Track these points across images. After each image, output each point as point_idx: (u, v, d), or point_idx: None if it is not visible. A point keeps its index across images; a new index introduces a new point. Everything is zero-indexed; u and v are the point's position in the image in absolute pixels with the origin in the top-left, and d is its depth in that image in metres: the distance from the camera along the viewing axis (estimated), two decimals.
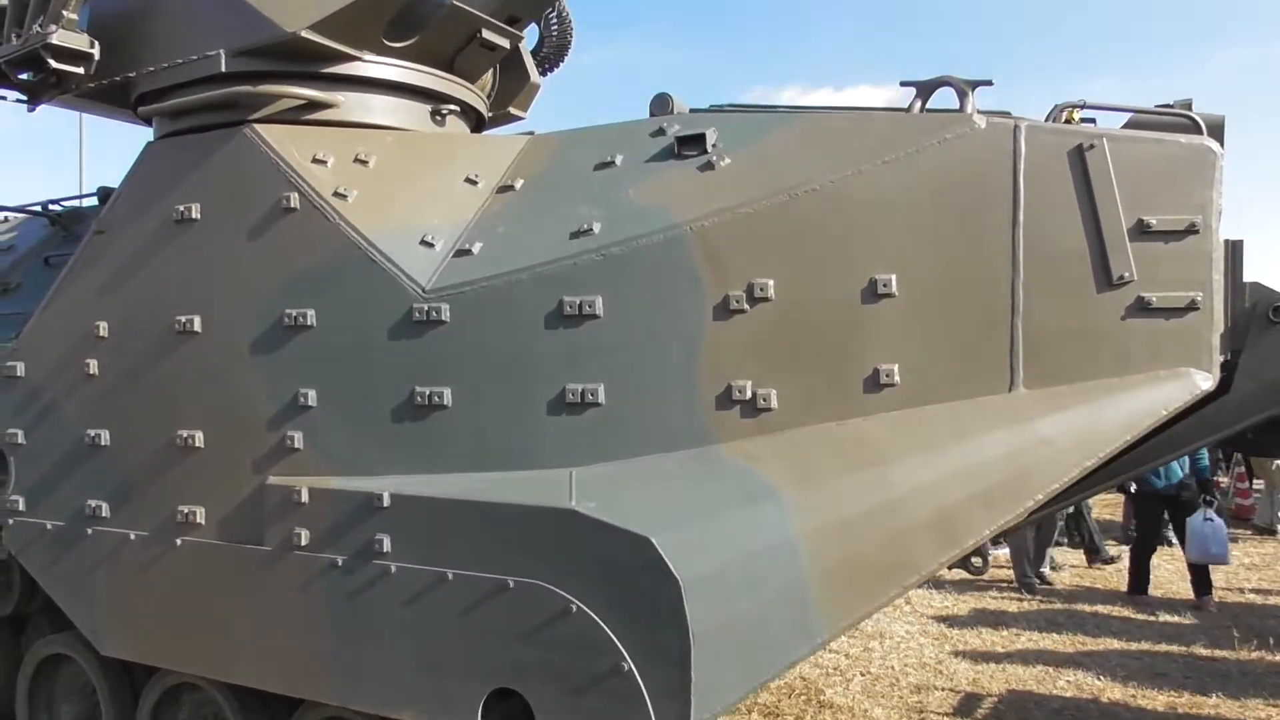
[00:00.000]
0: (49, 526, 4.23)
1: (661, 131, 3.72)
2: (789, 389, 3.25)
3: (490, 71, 4.68)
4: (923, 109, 3.37)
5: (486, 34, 4.14)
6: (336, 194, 3.65)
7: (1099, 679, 6.57)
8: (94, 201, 5.40)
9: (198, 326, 3.84)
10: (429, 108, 4.18)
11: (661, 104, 3.88)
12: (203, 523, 3.82)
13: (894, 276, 3.20)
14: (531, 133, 4.29)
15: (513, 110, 4.86)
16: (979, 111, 3.21)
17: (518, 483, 3.29)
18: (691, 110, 3.86)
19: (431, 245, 3.60)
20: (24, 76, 4.27)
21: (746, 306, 3.26)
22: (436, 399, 3.43)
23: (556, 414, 3.35)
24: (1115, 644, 7.41)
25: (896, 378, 3.20)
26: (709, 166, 3.47)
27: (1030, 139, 3.16)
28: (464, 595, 3.21)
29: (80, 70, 3.99)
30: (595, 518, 3.00)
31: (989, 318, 3.17)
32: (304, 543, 3.54)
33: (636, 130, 3.81)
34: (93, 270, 4.15)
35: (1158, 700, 6.16)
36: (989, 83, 3.20)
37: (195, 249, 3.88)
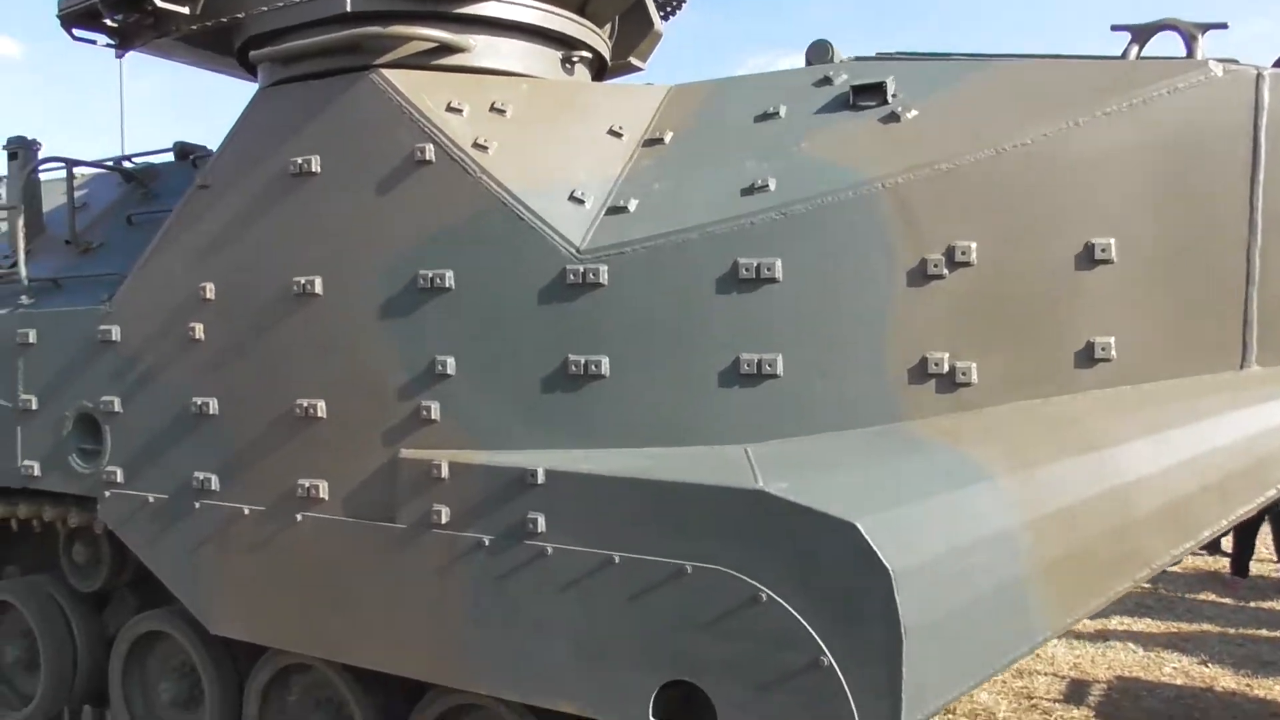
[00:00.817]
0: (151, 500, 4.03)
1: (828, 80, 3.48)
2: (990, 362, 3.02)
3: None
4: (1138, 55, 3.10)
5: None
6: (476, 145, 3.41)
7: (1206, 666, 6.38)
8: (169, 158, 5.17)
9: (318, 288, 3.62)
10: (560, 54, 3.92)
11: (820, 51, 3.63)
12: (325, 497, 3.61)
13: (1112, 241, 2.96)
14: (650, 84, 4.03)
15: (632, 60, 4.60)
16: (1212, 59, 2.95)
17: (688, 460, 3.08)
18: (856, 58, 3.60)
19: (581, 202, 3.36)
20: (118, 17, 4.02)
21: (945, 272, 3.03)
22: (592, 368, 3.21)
23: (728, 386, 3.13)
24: (1211, 628, 7.22)
25: (1113, 352, 2.97)
26: (893, 118, 3.22)
27: (1276, 89, 2.90)
28: (633, 580, 3.01)
29: (185, 10, 3.74)
30: (790, 500, 2.79)
31: (1220, 287, 2.93)
32: (444, 521, 3.34)
33: (796, 79, 3.56)
34: (196, 228, 3.93)
35: (1275, 690, 5.97)
36: (1223, 25, 2.94)
37: (315, 204, 3.65)
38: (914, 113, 3.20)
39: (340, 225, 3.59)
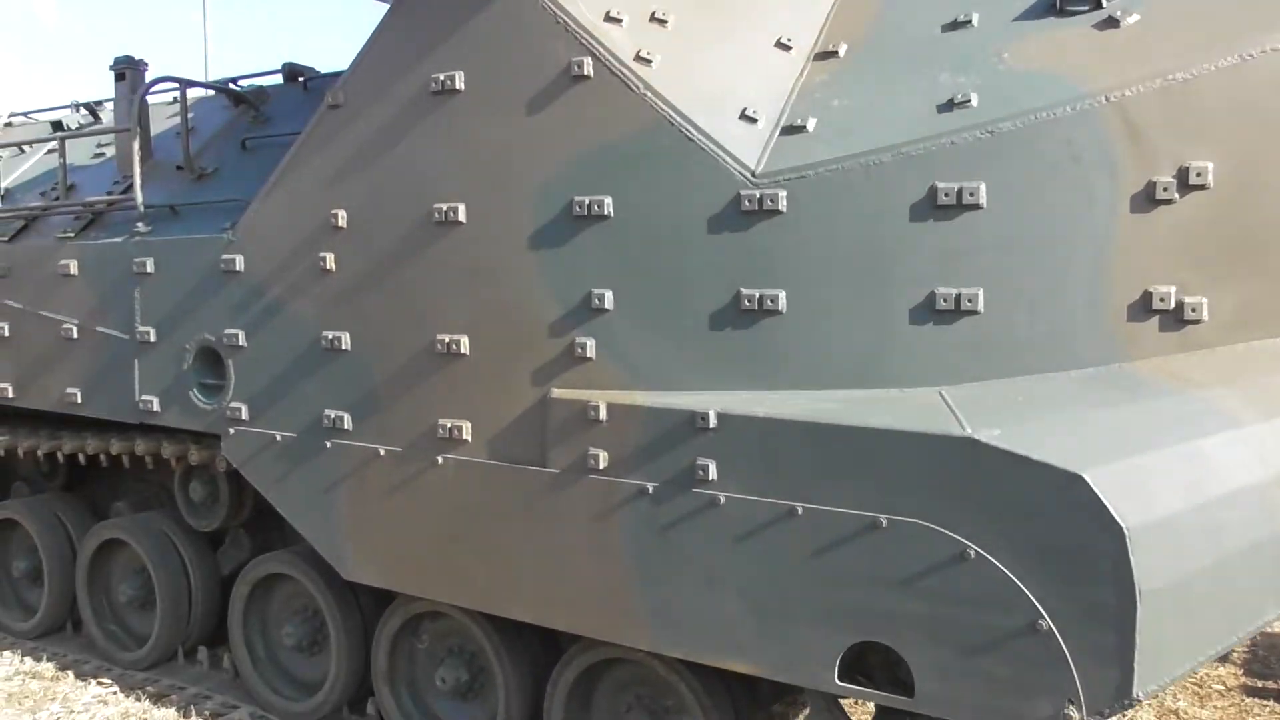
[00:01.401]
0: (278, 438, 3.91)
1: None
2: (1225, 297, 2.74)
3: None
4: None
5: None
6: (639, 58, 3.16)
7: None
8: (279, 80, 4.98)
9: (461, 216, 3.41)
10: None
11: None
12: (469, 439, 3.45)
13: None
14: None
15: None
16: None
17: (878, 404, 2.85)
18: None
19: (754, 120, 3.10)
20: None
21: (1175, 196, 2.73)
22: (769, 303, 2.98)
23: (921, 323, 2.88)
24: None
25: None
26: (1110, 23, 2.91)
27: None
28: (818, 533, 2.81)
29: None
30: (1005, 449, 2.55)
31: None
32: (601, 466, 3.16)
33: None
34: (326, 151, 3.73)
35: None
36: None
37: (458, 125, 3.43)
38: (1134, 17, 2.88)
39: (486, 148, 3.37)
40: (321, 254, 3.73)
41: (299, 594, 4.34)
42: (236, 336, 3.98)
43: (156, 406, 4.29)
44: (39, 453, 5.03)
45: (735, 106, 3.13)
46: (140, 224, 4.33)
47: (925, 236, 2.86)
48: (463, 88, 3.40)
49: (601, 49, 3.17)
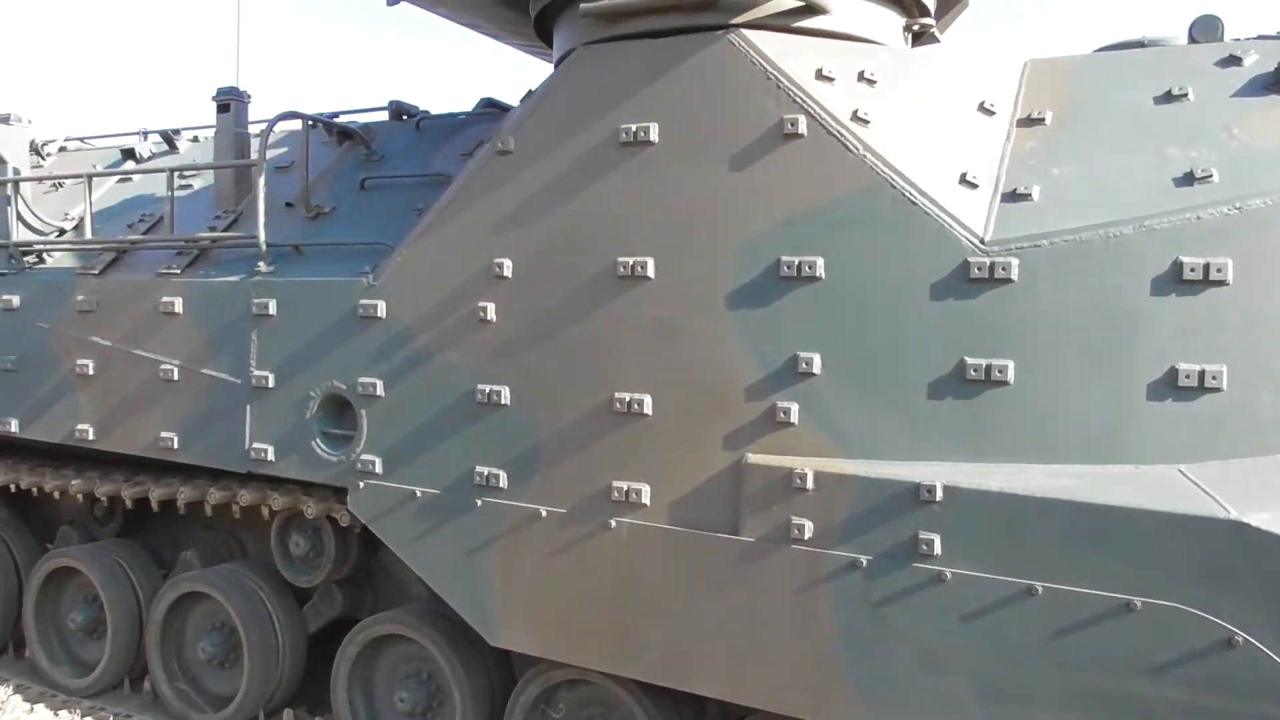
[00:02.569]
0: (418, 494, 3.76)
1: (1235, 60, 3.20)
2: None
3: None
4: None
5: None
6: (856, 118, 3.13)
7: None
8: (384, 116, 4.88)
9: (650, 271, 3.34)
10: (903, 20, 3.63)
11: (1210, 27, 3.36)
12: (647, 503, 3.35)
13: None
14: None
15: (935, 31, 4.30)
16: None
17: (1119, 481, 2.82)
18: (1258, 36, 3.32)
19: (975, 185, 3.09)
20: None
21: None
22: (996, 373, 2.94)
23: (1160, 399, 2.87)
24: None
25: None
26: None
27: None
28: (1060, 613, 2.76)
29: None
30: (1277, 533, 2.53)
31: None
32: (806, 536, 3.08)
33: (1191, 57, 3.30)
34: (491, 197, 3.63)
35: None
36: None
37: (652, 177, 3.36)
38: None
39: (682, 201, 3.31)
40: (481, 303, 3.62)
41: (414, 656, 4.17)
42: (373, 385, 3.84)
43: (271, 455, 4.11)
44: (101, 495, 4.80)
45: (954, 171, 3.11)
46: (261, 263, 4.17)
47: (1167, 311, 2.86)
48: (657, 140, 3.34)
49: (817, 107, 3.14)
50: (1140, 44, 3.56)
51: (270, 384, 4.09)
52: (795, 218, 3.16)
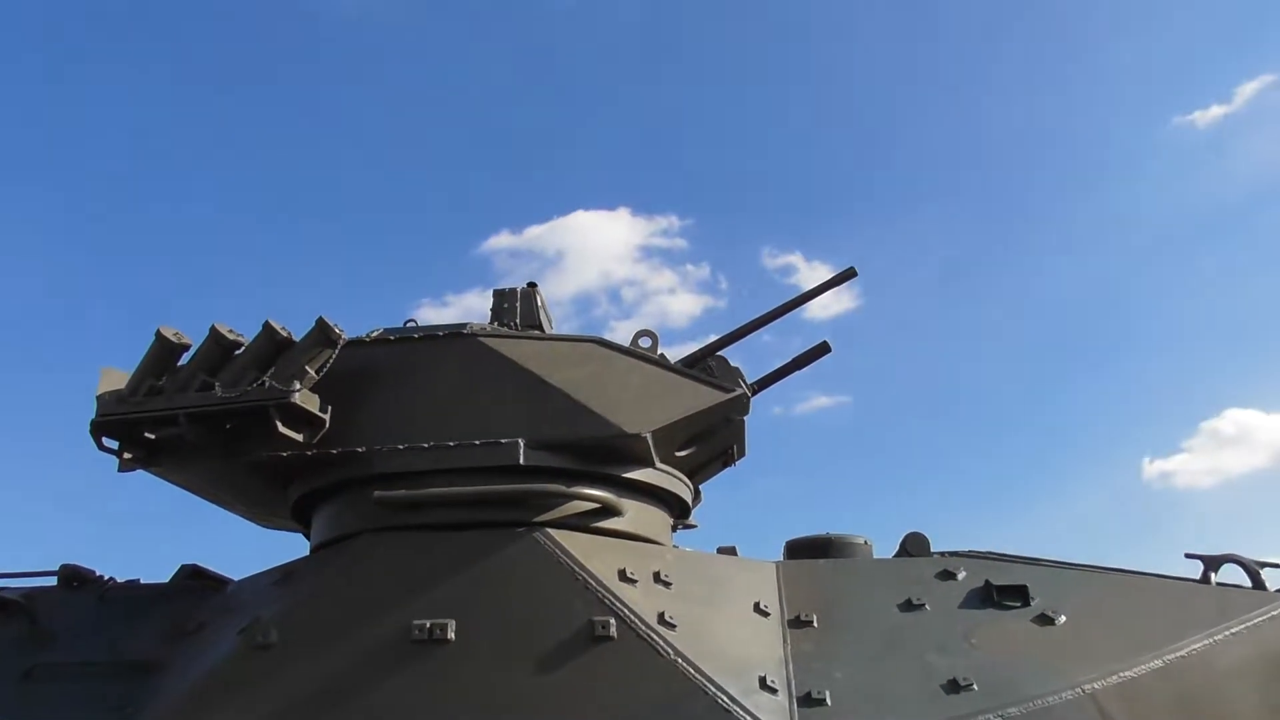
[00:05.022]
0: None
1: (950, 575, 3.81)
2: None
3: None
4: (1215, 582, 3.79)
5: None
6: (664, 622, 3.27)
7: None
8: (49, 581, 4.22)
9: None
10: (671, 519, 3.95)
11: (920, 544, 4.03)
12: None
13: None
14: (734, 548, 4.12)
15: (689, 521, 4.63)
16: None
17: None
18: (949, 553, 4.01)
19: (775, 690, 3.28)
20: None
21: None
22: None
23: None
24: None
25: None
26: (1046, 620, 3.58)
27: None
28: None
29: (300, 436, 3.32)
30: None
31: None
32: None
33: (913, 570, 3.87)
34: (247, 696, 3.20)
35: None
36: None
37: (450, 679, 3.17)
38: (1063, 618, 3.60)
39: (483, 701, 3.14)
40: None
41: None
42: None
43: None
44: None
45: (752, 673, 3.29)
46: None
47: None
48: (453, 637, 3.21)
49: (625, 609, 3.24)
50: (828, 540, 4.14)
51: None
52: (610, 717, 3.12)
